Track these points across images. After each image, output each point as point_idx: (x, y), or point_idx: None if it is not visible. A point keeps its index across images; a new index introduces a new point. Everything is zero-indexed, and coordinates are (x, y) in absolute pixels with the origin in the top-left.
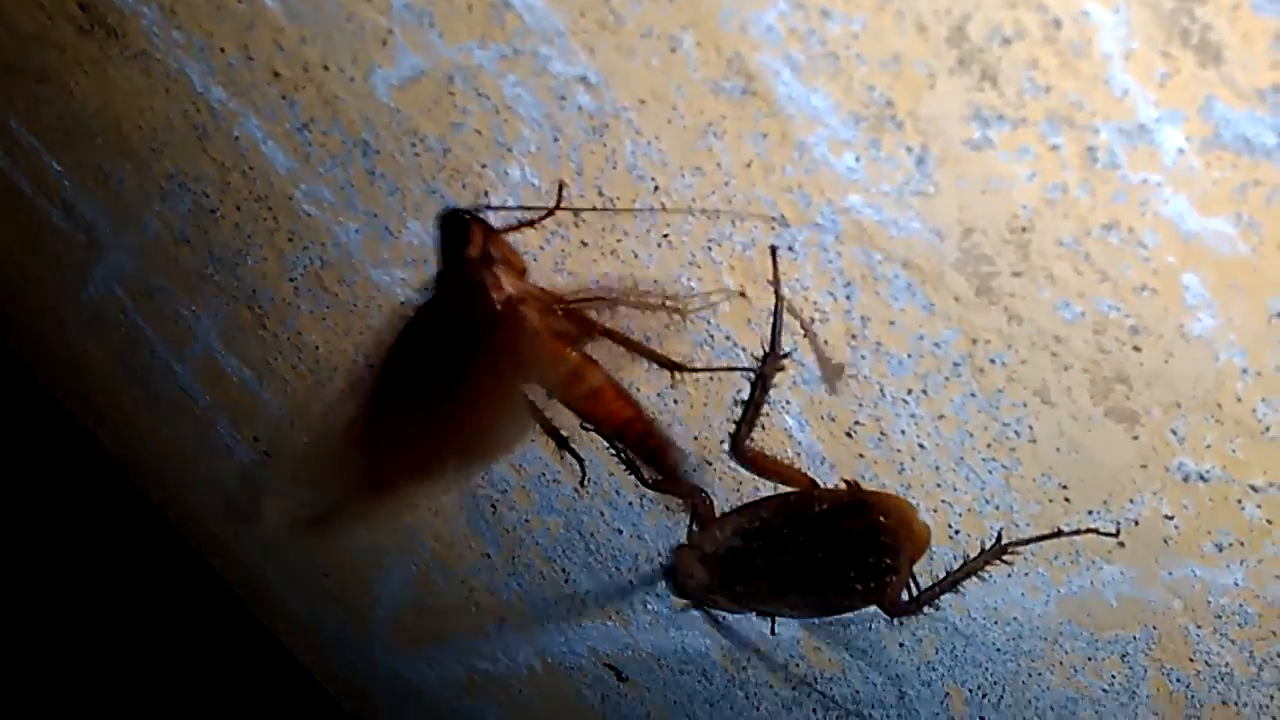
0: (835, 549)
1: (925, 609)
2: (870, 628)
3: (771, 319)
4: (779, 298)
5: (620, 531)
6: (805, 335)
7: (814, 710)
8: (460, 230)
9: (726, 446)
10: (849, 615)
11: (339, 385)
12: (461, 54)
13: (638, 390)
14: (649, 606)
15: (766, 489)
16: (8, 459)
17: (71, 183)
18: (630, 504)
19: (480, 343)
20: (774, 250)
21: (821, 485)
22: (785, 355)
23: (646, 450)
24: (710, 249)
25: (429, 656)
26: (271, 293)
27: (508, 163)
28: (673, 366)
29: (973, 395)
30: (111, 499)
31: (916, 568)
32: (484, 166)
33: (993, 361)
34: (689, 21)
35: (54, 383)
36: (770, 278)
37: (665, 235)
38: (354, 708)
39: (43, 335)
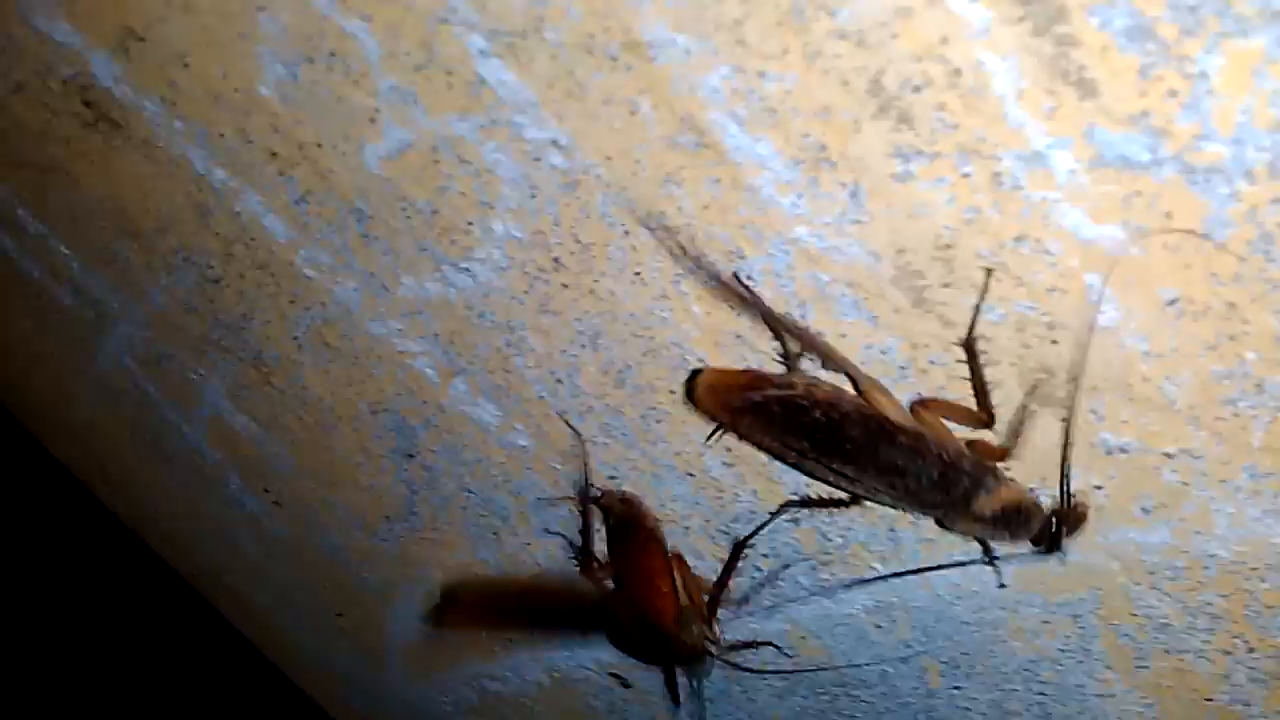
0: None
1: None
2: (850, 614)
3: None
4: (768, 312)
5: None
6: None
7: (804, 696)
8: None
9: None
10: (832, 607)
11: (344, 432)
12: (444, 126)
13: None
14: None
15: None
16: (26, 534)
17: (80, 264)
18: None
19: None
20: (736, 275)
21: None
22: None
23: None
24: (678, 283)
25: (442, 683)
26: (276, 351)
27: (490, 219)
28: None
29: (919, 394)
30: (127, 563)
31: None
32: (470, 224)
33: (932, 363)
34: (645, 88)
35: (68, 456)
36: (744, 297)
37: (637, 273)
38: None
39: (55, 410)
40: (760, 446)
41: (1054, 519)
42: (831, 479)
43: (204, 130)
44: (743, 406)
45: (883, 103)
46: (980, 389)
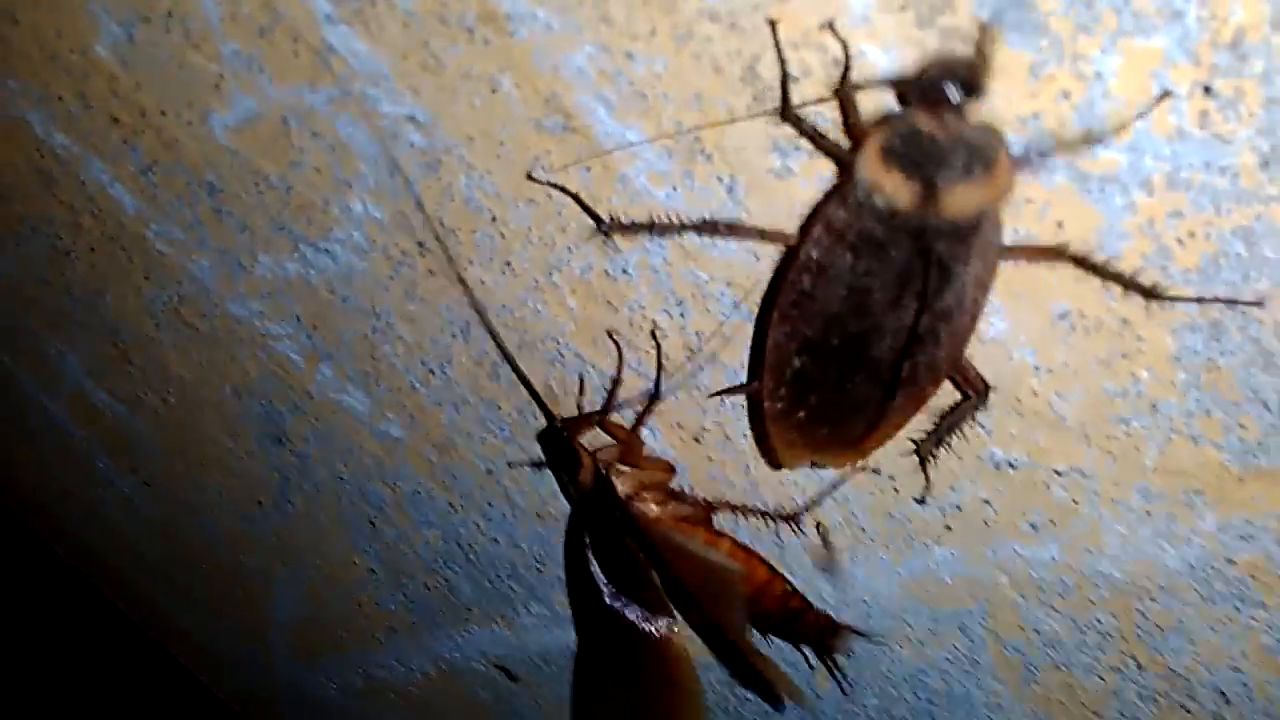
0: None
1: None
2: None
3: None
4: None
5: (497, 541)
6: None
7: None
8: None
9: None
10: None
11: (210, 415)
12: (293, 96)
13: None
14: (532, 610)
15: None
16: None
17: None
18: (504, 515)
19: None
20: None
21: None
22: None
23: (788, 612)
24: (551, 274)
25: (328, 668)
26: (134, 329)
27: (349, 198)
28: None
29: None
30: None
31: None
32: (327, 202)
33: None
34: (505, 64)
35: None
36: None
37: (508, 262)
38: None
39: None
40: None
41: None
42: None
43: (40, 93)
44: None
45: (758, 92)
46: None
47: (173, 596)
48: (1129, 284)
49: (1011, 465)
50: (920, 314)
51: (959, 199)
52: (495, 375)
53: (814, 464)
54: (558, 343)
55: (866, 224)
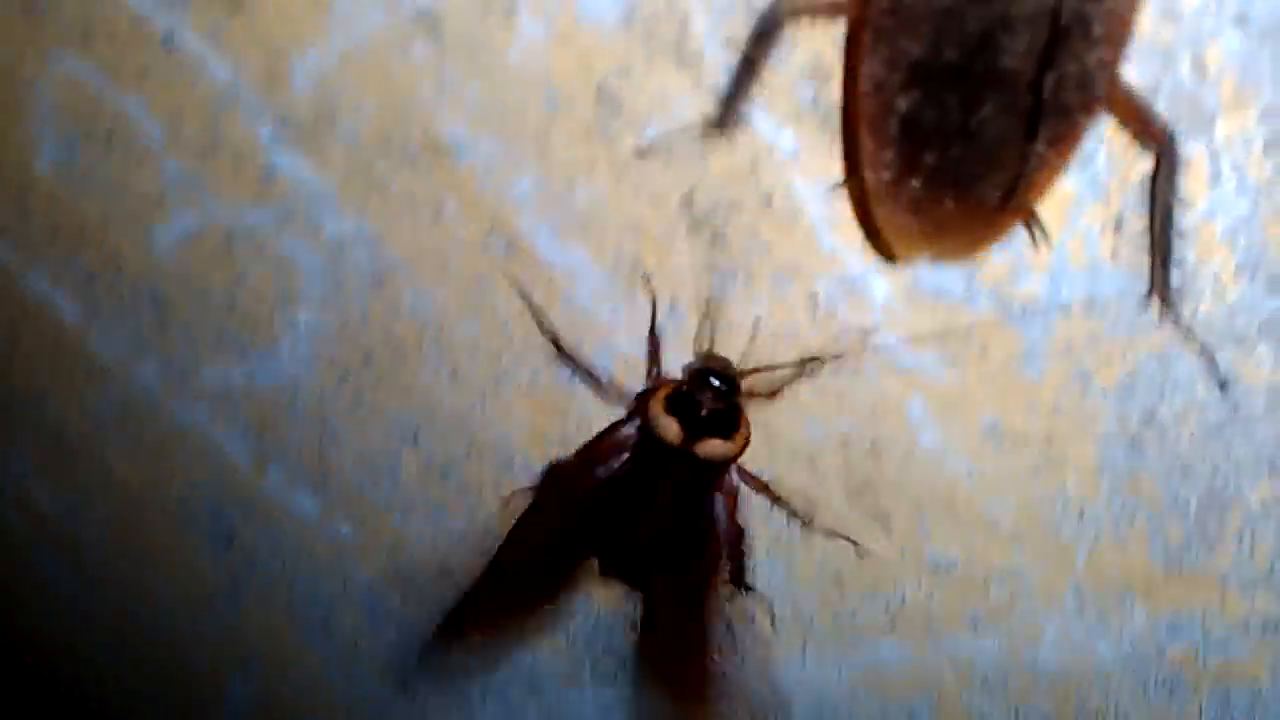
0: None
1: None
2: None
3: None
4: None
5: None
6: None
7: None
8: None
9: None
10: None
11: (157, 515)
12: (237, 213)
13: None
14: (488, 705)
15: None
16: None
17: None
18: None
19: None
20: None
21: None
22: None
23: None
24: (500, 382)
25: None
26: (78, 431)
27: (294, 311)
28: None
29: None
30: None
31: None
32: (272, 314)
33: (762, 473)
34: (449, 189)
35: None
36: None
37: (454, 371)
38: None
39: None
40: None
41: None
42: None
43: None
44: None
45: (694, 221)
46: None
47: (122, 698)
48: None
49: (950, 567)
50: None
51: None
52: (444, 480)
53: (940, 257)
54: (508, 449)
55: None
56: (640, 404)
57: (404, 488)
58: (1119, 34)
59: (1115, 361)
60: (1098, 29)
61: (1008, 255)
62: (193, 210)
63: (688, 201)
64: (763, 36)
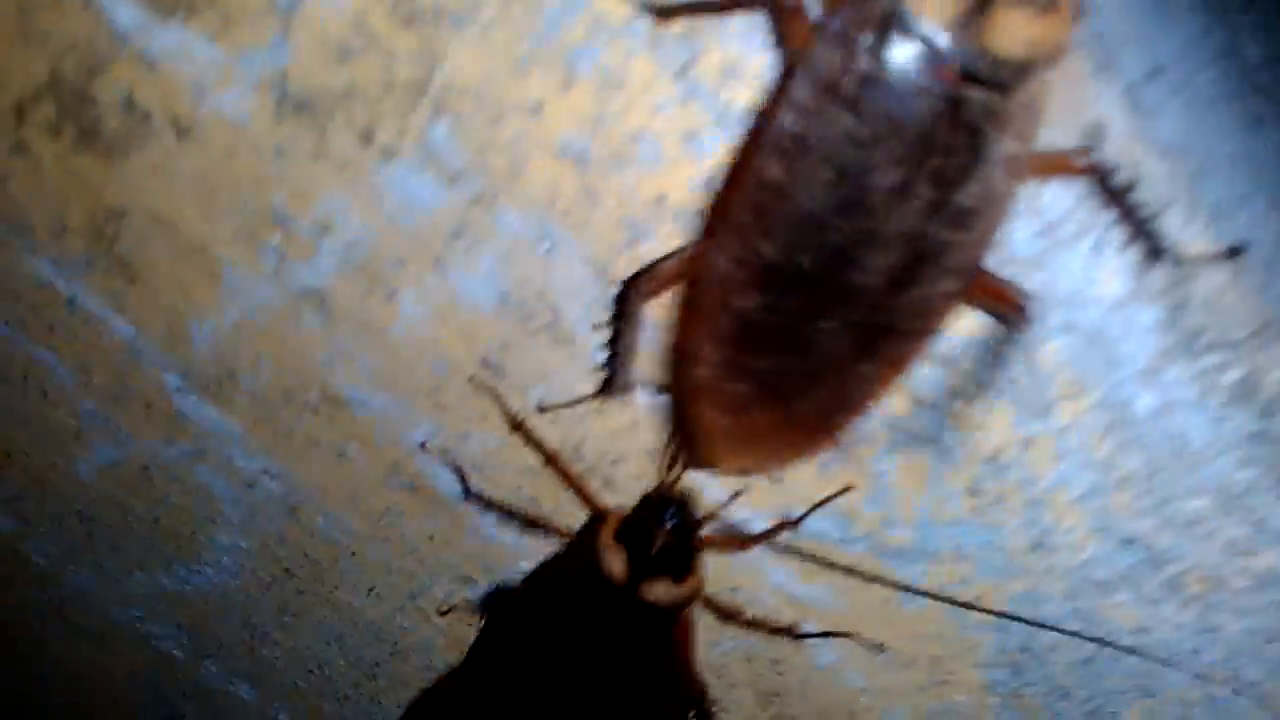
0: None
1: None
2: None
3: None
4: None
5: None
6: None
7: None
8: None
9: None
10: None
11: (102, 702)
12: (151, 449)
13: None
14: None
15: None
16: None
17: None
18: None
19: None
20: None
21: None
22: None
23: None
24: (416, 598)
25: None
26: (18, 623)
27: (215, 532)
28: None
29: None
30: None
31: None
32: (194, 533)
33: None
34: (349, 435)
35: None
36: None
37: (371, 588)
38: None
39: None
40: None
41: None
42: None
43: None
44: None
45: (586, 468)
46: None
47: None
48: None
49: None
50: (936, 210)
51: (1012, 28)
52: (372, 676)
53: (748, 470)
54: (429, 653)
55: (873, 66)
56: (587, 532)
57: (336, 681)
58: (970, 267)
59: (988, 600)
60: (953, 259)
61: (878, 506)
62: (110, 444)
63: (577, 452)
64: (620, 318)
